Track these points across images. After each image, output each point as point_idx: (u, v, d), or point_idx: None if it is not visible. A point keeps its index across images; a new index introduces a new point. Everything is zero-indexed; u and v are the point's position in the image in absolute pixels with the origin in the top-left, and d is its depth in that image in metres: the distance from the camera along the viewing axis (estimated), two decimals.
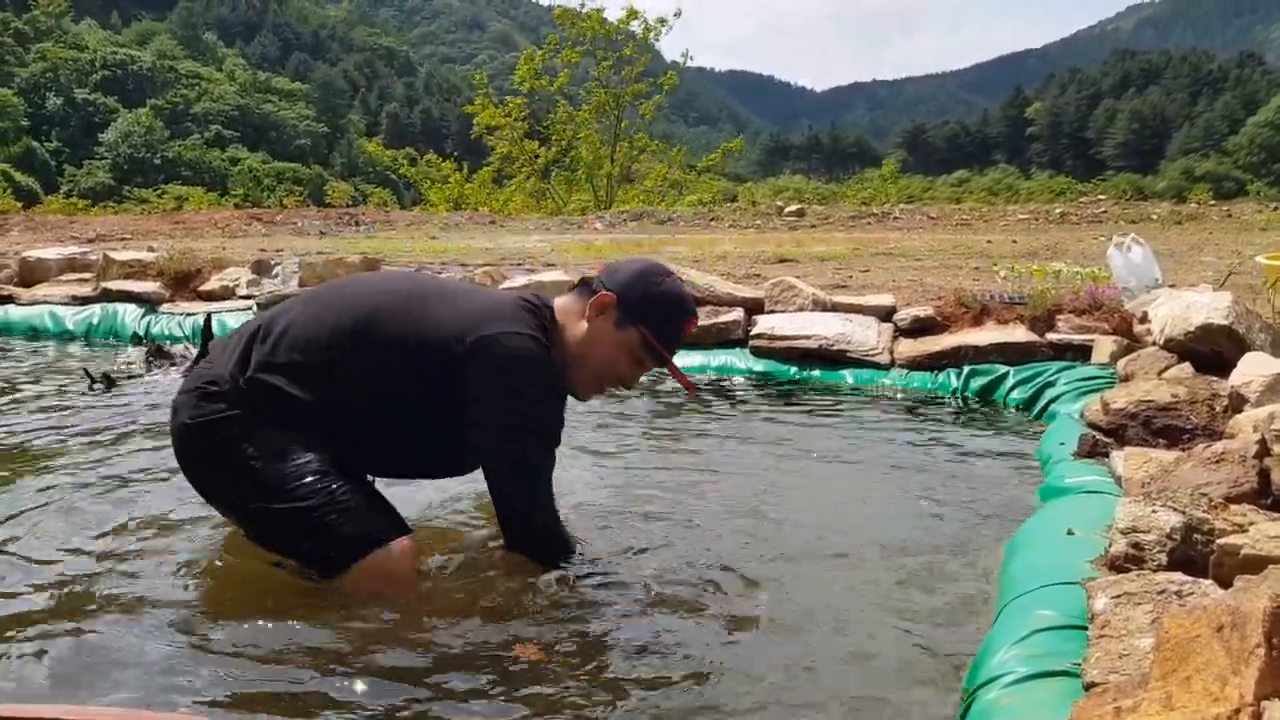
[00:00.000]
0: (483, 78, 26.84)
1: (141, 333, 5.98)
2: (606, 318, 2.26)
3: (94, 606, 2.12)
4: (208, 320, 4.76)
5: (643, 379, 2.52)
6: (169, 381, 4.47)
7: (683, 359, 4.82)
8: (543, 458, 2.21)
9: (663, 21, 25.09)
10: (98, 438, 3.54)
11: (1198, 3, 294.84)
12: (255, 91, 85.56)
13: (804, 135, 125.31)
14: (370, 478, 2.33)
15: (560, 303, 2.32)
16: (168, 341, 5.58)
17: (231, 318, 5.88)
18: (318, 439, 2.17)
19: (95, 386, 4.24)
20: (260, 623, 2.04)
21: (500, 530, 2.27)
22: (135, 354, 5.14)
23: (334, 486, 2.12)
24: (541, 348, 2.19)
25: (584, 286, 2.33)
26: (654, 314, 2.27)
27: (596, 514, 2.75)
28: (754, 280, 5.90)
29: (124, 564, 2.36)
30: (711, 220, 14.03)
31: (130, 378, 4.51)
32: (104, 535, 2.53)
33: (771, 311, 5.15)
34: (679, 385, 2.45)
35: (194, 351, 4.87)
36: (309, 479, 2.12)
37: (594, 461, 3.36)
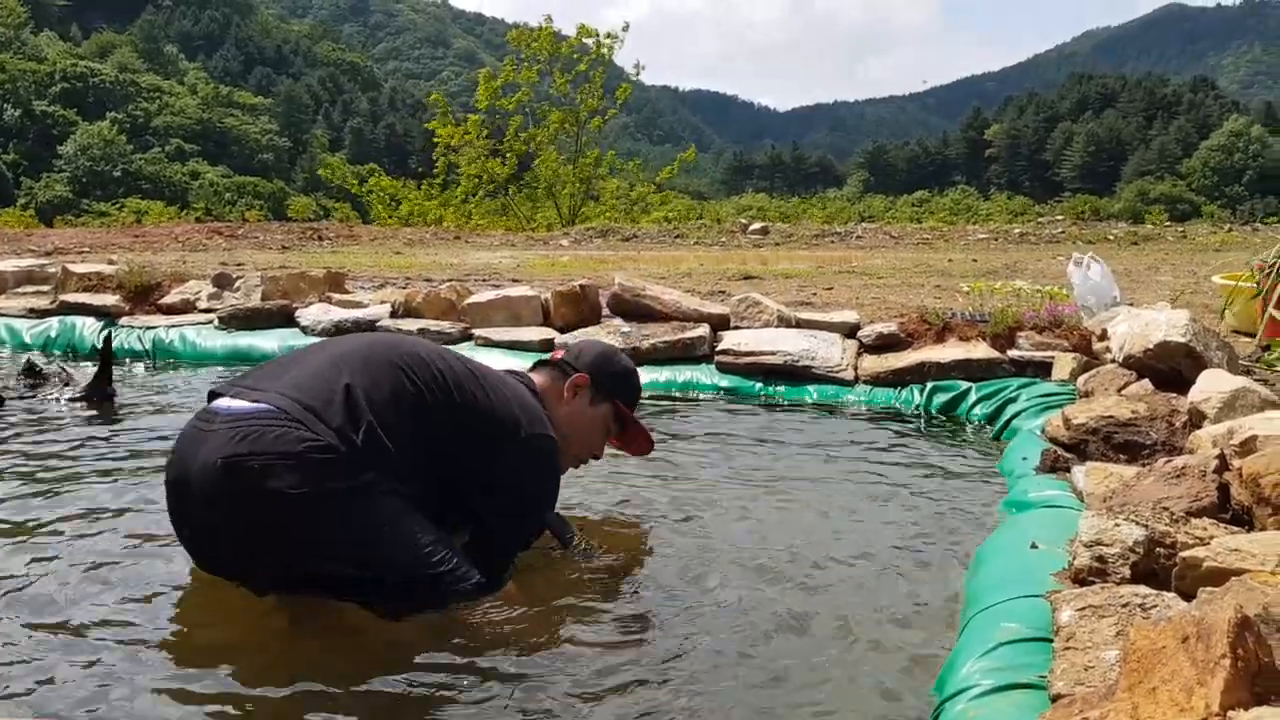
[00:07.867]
0: (440, 97, 26.64)
1: (100, 346, 5.87)
2: (583, 397, 2.56)
3: (79, 632, 2.09)
4: (108, 339, 4.67)
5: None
6: (56, 400, 4.32)
7: (650, 374, 4.89)
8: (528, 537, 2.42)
9: (612, 36, 24.96)
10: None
11: (1153, 29, 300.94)
12: (217, 105, 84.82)
13: (767, 154, 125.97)
14: None
15: (540, 382, 2.57)
16: (56, 356, 5.42)
17: (192, 331, 5.82)
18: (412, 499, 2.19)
19: None
20: (257, 645, 2.07)
21: None
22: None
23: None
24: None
25: (555, 368, 2.61)
26: (622, 388, 2.65)
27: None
28: (719, 296, 5.92)
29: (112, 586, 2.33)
30: (676, 237, 14.04)
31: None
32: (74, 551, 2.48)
33: (737, 328, 5.16)
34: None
35: (69, 371, 4.62)
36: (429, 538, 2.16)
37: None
